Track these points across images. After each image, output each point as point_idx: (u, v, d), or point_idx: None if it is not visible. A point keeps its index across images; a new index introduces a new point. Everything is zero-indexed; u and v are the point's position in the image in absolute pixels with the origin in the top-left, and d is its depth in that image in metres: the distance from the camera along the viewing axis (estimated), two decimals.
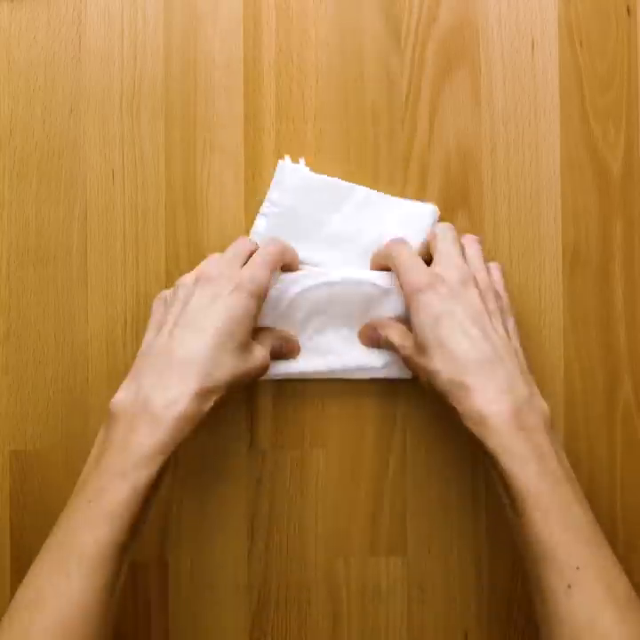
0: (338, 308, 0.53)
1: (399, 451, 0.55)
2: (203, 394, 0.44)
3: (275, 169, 0.55)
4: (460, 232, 0.55)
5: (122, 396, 0.45)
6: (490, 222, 0.55)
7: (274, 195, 0.53)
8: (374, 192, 0.54)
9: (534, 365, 0.55)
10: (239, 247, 0.51)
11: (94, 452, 0.46)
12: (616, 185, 0.55)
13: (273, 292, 0.51)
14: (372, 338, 0.53)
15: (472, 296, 0.48)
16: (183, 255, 0.55)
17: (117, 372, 0.54)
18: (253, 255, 0.50)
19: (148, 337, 0.49)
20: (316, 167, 0.55)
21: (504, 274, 0.54)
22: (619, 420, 0.55)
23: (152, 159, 0.55)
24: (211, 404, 0.45)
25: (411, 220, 0.54)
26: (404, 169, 0.55)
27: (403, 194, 0.55)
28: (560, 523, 0.42)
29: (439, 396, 0.47)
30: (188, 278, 0.50)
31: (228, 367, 0.46)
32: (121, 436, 0.44)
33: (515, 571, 0.55)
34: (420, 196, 0.55)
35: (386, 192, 0.55)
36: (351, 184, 0.54)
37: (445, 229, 0.52)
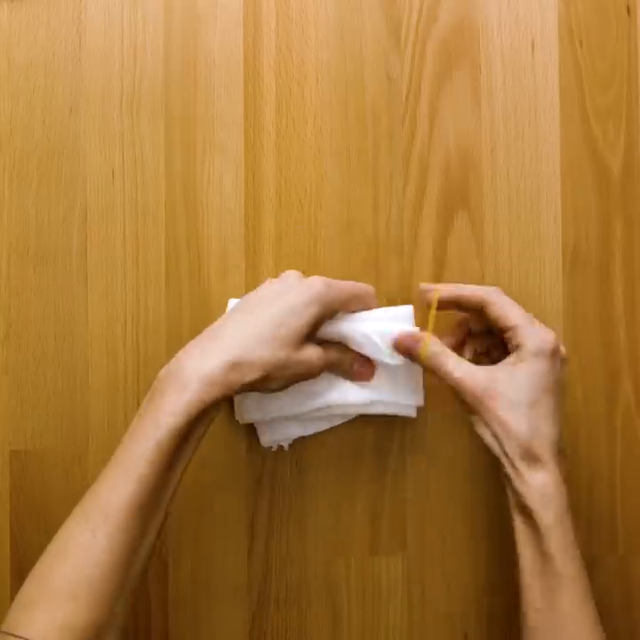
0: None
1: (399, 451, 0.55)
2: (232, 365, 0.45)
3: (275, 169, 0.55)
4: (460, 232, 0.55)
5: (163, 370, 0.47)
6: (490, 222, 0.55)
7: None
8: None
9: None
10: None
11: (133, 422, 0.46)
12: (616, 185, 0.55)
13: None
14: (411, 348, 0.50)
15: (566, 371, 0.50)
16: (183, 255, 0.55)
17: (117, 372, 0.54)
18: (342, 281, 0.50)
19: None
20: (316, 167, 0.55)
21: (504, 275, 0.54)
22: (619, 420, 0.55)
23: (152, 159, 0.55)
24: (240, 377, 0.45)
25: (389, 320, 0.52)
26: (404, 169, 0.55)
27: (403, 194, 0.55)
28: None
29: (502, 451, 0.47)
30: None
31: (268, 352, 0.46)
32: (152, 403, 0.45)
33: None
34: (420, 195, 0.55)
35: (386, 192, 0.55)
36: None
37: (501, 294, 0.50)
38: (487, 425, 0.47)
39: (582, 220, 0.55)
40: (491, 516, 0.55)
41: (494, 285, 0.55)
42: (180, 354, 0.47)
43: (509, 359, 0.49)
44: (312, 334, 0.48)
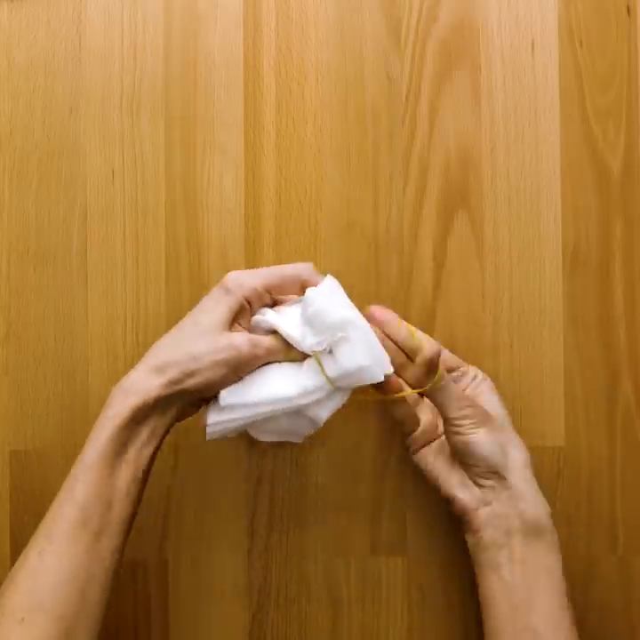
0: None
1: (399, 451, 0.55)
2: (149, 371, 0.46)
3: (275, 169, 0.55)
4: (460, 232, 0.55)
5: None
6: (490, 222, 0.55)
7: None
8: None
9: (534, 365, 0.55)
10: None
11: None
12: (616, 185, 0.55)
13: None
14: (395, 386, 0.49)
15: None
16: (183, 255, 0.55)
17: (117, 372, 0.54)
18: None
19: None
20: (316, 167, 0.55)
21: (504, 275, 0.54)
22: (619, 419, 0.55)
23: (152, 159, 0.55)
24: (158, 379, 0.45)
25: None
26: (404, 169, 0.55)
27: (403, 194, 0.55)
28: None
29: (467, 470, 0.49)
30: None
31: (183, 351, 0.46)
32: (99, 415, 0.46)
33: None
34: (420, 195, 0.55)
35: (386, 192, 0.55)
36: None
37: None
38: (494, 435, 0.48)
39: (582, 220, 0.55)
40: None
41: (494, 286, 0.55)
42: None
43: (472, 391, 0.52)
44: (243, 327, 0.48)
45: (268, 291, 0.48)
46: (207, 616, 0.55)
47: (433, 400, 0.48)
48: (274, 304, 0.50)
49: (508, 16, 0.55)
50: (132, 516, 0.46)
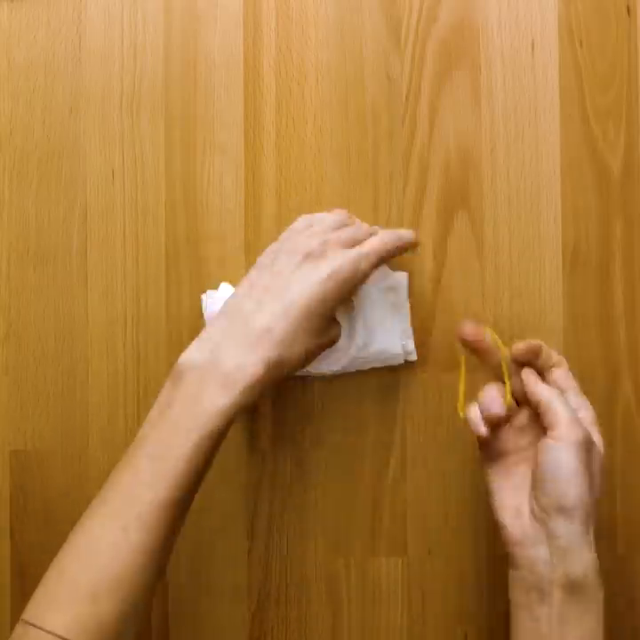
0: None
1: (399, 451, 0.55)
2: (277, 364, 0.44)
3: (275, 169, 0.55)
4: (460, 232, 0.55)
5: (194, 355, 0.45)
6: (490, 222, 0.55)
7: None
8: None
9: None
10: (339, 218, 0.50)
11: (156, 408, 0.45)
12: (616, 185, 0.55)
13: None
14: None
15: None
16: (183, 255, 0.55)
17: (117, 372, 0.54)
18: (372, 238, 0.49)
19: (239, 293, 0.48)
20: (316, 167, 0.55)
21: (504, 275, 0.54)
22: (619, 419, 0.55)
23: (152, 159, 0.55)
24: (282, 374, 0.45)
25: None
26: (404, 169, 0.55)
27: (403, 194, 0.55)
28: None
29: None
30: (286, 244, 0.49)
31: (305, 342, 0.46)
32: (191, 392, 0.44)
33: None
34: (420, 195, 0.55)
35: (386, 192, 0.55)
36: None
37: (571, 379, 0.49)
38: (587, 467, 0.45)
39: (582, 220, 0.55)
40: (491, 516, 0.55)
41: (494, 286, 0.55)
42: (213, 340, 0.45)
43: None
44: None
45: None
46: (207, 616, 0.55)
47: (540, 407, 0.46)
48: None
49: (508, 16, 0.55)
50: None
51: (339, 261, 0.46)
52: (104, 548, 0.41)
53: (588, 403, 0.49)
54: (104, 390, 0.55)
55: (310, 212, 0.55)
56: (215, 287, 0.54)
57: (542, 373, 0.49)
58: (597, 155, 0.55)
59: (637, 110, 0.55)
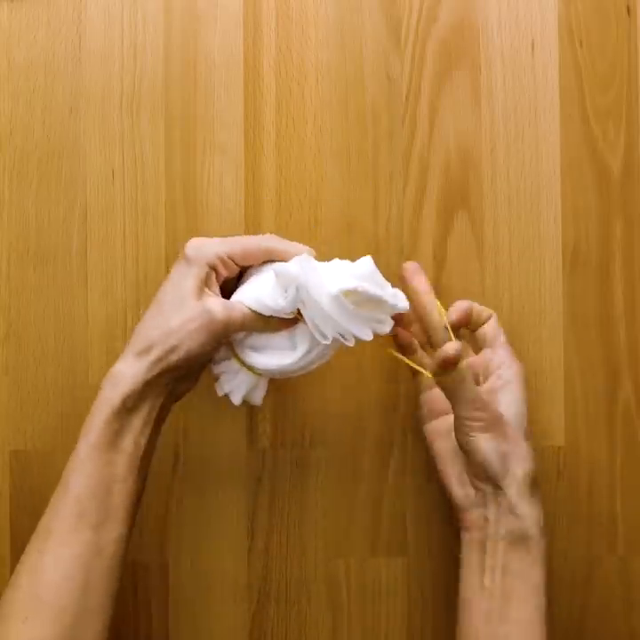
0: None
1: (399, 451, 0.55)
2: (135, 356, 0.46)
3: (275, 169, 0.55)
4: (460, 232, 0.55)
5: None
6: (490, 222, 0.55)
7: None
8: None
9: (534, 365, 0.55)
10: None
11: None
12: (616, 185, 0.55)
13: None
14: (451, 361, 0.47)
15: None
16: None
17: None
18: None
19: None
20: (316, 167, 0.55)
21: (504, 275, 0.54)
22: (619, 420, 0.55)
23: (152, 159, 0.55)
24: (142, 363, 0.46)
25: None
26: (404, 169, 0.55)
27: (403, 194, 0.55)
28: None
29: (464, 453, 0.48)
30: None
31: (159, 328, 0.46)
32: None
33: None
34: (420, 195, 0.55)
35: (386, 192, 0.55)
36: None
37: (500, 331, 0.52)
38: (498, 443, 0.47)
39: (582, 220, 0.55)
40: None
41: (494, 286, 0.55)
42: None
43: (494, 383, 0.50)
44: (213, 292, 0.48)
45: (232, 258, 0.49)
46: (207, 616, 0.55)
47: (445, 392, 0.47)
48: (241, 273, 0.51)
49: (508, 16, 0.55)
50: (134, 505, 0.46)
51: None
52: (25, 573, 0.43)
53: (514, 357, 0.51)
54: None
55: (310, 211, 0.55)
56: None
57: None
58: (597, 155, 0.55)
59: (637, 110, 0.55)
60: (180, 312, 0.46)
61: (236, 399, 0.50)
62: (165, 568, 0.55)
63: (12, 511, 0.54)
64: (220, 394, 0.50)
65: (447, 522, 0.54)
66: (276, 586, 0.55)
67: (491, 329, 0.52)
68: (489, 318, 0.52)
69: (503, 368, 0.51)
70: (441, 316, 0.50)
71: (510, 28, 0.55)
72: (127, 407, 0.45)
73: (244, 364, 0.49)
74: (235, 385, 0.50)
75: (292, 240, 0.55)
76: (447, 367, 0.46)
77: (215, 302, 0.47)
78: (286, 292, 0.47)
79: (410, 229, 0.55)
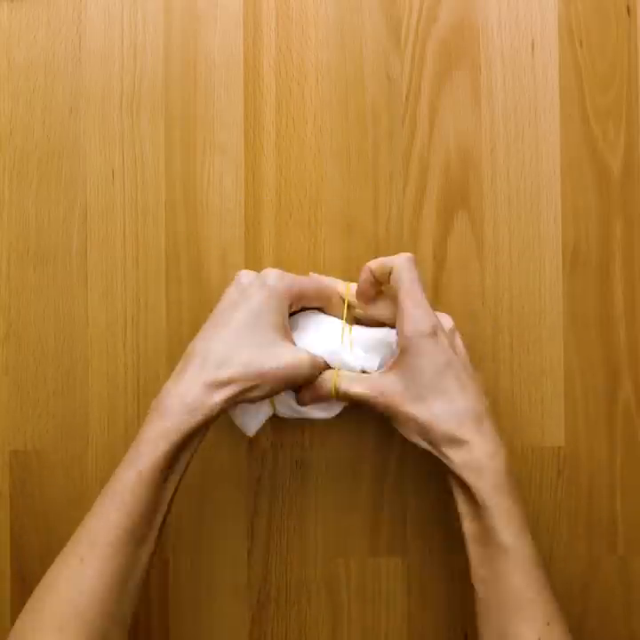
0: None
1: (399, 451, 0.55)
2: (211, 385, 0.45)
3: (275, 169, 0.55)
4: (460, 232, 0.55)
5: (155, 398, 0.47)
6: (490, 222, 0.55)
7: None
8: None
9: (534, 365, 0.55)
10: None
11: None
12: (616, 185, 0.55)
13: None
14: (318, 395, 0.50)
15: (460, 346, 0.49)
16: (183, 255, 0.55)
17: (117, 372, 0.54)
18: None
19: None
20: (316, 167, 0.55)
21: (504, 275, 0.54)
22: (619, 420, 0.55)
23: (152, 159, 0.55)
24: (221, 396, 0.45)
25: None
26: (404, 169, 0.55)
27: (403, 194, 0.55)
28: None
29: (429, 443, 0.47)
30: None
31: (244, 361, 0.46)
32: (140, 431, 0.46)
33: None
34: (420, 195, 0.55)
35: (386, 192, 0.55)
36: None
37: (411, 269, 0.48)
38: (405, 426, 0.48)
39: (582, 220, 0.55)
40: None
41: (494, 286, 0.55)
42: (169, 379, 0.47)
43: (397, 353, 0.49)
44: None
45: (302, 297, 0.50)
46: (207, 616, 0.55)
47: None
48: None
49: (508, 16, 0.55)
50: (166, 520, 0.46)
51: (260, 278, 0.49)
52: (64, 580, 0.43)
53: (428, 307, 0.48)
54: (104, 390, 0.55)
55: (310, 211, 0.55)
56: (214, 287, 0.54)
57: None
58: (597, 155, 0.55)
59: (637, 110, 0.55)
60: (268, 352, 0.46)
61: (251, 431, 0.52)
62: (165, 568, 0.55)
63: (12, 511, 0.54)
64: (237, 422, 0.51)
65: (447, 522, 0.55)
66: (276, 586, 0.55)
67: (396, 274, 0.49)
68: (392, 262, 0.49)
69: (419, 320, 0.48)
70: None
71: (510, 28, 0.55)
72: (194, 434, 0.45)
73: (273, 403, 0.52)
74: (253, 416, 0.52)
75: (291, 240, 0.55)
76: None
77: (306, 359, 0.48)
78: (366, 353, 0.50)
79: (410, 229, 0.55)
